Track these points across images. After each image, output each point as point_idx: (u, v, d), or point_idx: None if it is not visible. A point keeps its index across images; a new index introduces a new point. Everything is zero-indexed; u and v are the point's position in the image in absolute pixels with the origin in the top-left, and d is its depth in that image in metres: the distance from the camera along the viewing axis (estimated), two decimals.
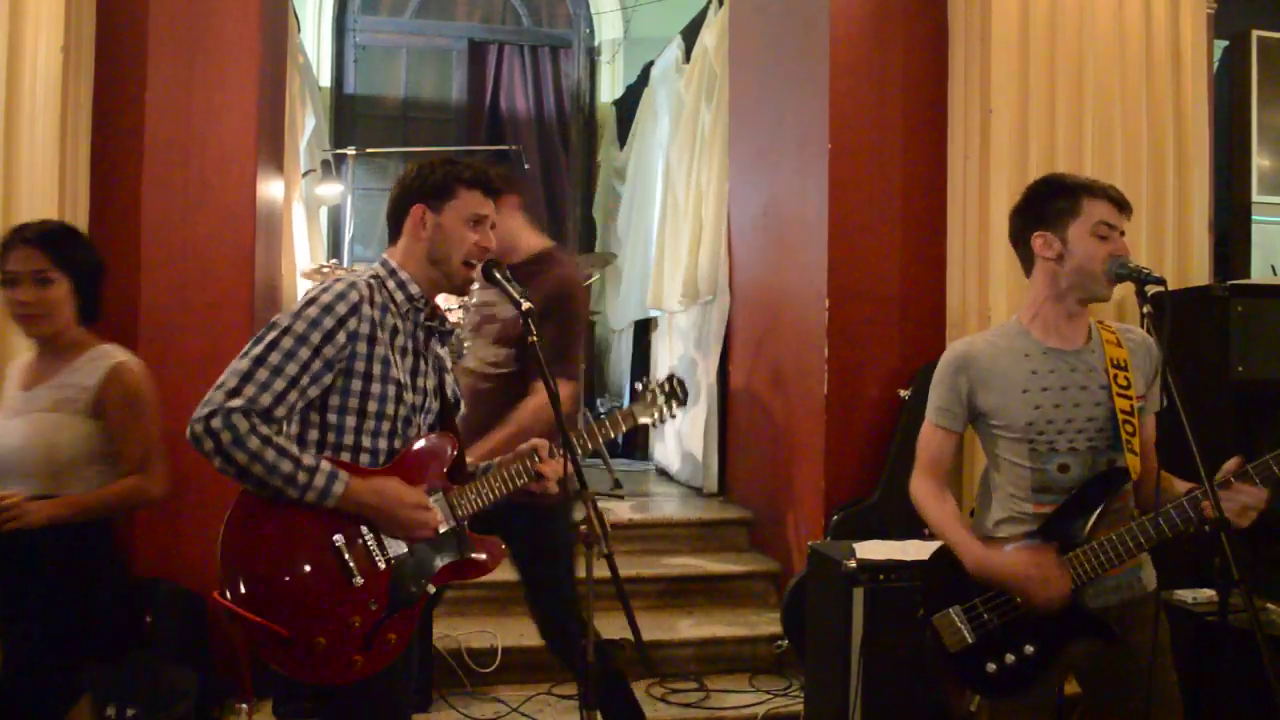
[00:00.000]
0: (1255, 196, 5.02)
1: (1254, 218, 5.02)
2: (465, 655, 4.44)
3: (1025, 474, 2.59)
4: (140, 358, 4.26)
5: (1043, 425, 2.56)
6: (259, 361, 2.26)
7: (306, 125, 6.53)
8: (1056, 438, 2.56)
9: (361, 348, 2.35)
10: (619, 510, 5.86)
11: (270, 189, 4.77)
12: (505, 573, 4.95)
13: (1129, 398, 2.55)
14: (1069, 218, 2.57)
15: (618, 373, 9.08)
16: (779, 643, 4.73)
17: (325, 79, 9.08)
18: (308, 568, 2.28)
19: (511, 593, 4.91)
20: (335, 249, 7.92)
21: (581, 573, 2.42)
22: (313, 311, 2.31)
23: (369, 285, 2.41)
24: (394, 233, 2.56)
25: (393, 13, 9.51)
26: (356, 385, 2.36)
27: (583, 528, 2.42)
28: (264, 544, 2.26)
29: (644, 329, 8.32)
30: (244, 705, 4.23)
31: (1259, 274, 4.94)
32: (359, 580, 2.31)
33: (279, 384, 2.26)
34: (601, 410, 8.88)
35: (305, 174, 6.32)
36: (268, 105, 4.65)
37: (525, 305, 2.52)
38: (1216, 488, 2.26)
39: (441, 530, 2.45)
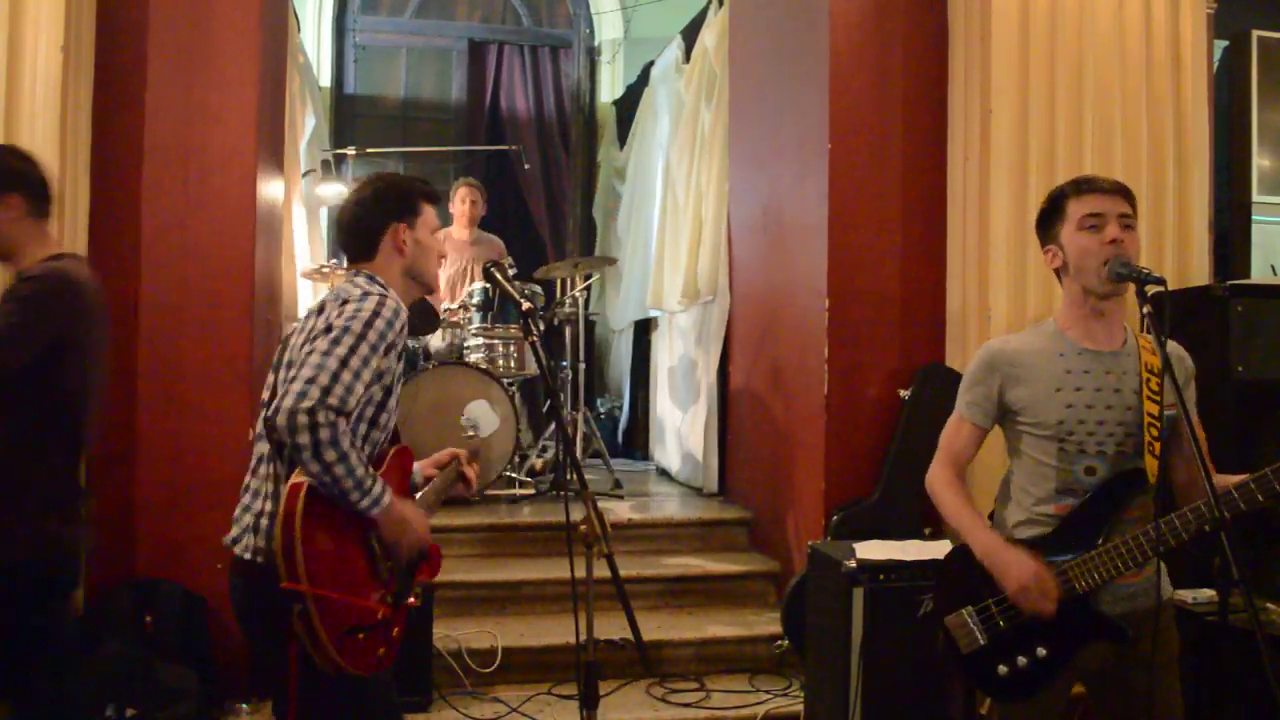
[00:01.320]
0: (1255, 196, 5.02)
1: (1254, 217, 5.02)
2: (465, 655, 4.44)
3: (1050, 474, 2.58)
4: (140, 359, 4.32)
5: (1073, 425, 2.55)
6: (344, 363, 2.31)
7: (306, 125, 6.53)
8: (1086, 439, 2.54)
9: (393, 363, 2.47)
10: (619, 510, 5.86)
11: (270, 189, 4.77)
12: (506, 573, 4.99)
13: (1159, 402, 2.54)
14: (1059, 224, 2.62)
15: (617, 373, 9.09)
16: (779, 643, 4.73)
17: (325, 79, 9.08)
18: (358, 564, 2.37)
19: (511, 593, 4.94)
20: (335, 249, 7.92)
21: (581, 573, 2.43)
22: (381, 324, 2.39)
23: None
24: (367, 250, 2.63)
25: (392, 13, 9.51)
26: (377, 395, 2.47)
27: (583, 528, 2.43)
28: (335, 536, 2.32)
29: (644, 329, 8.32)
30: (244, 706, 4.23)
31: (1259, 274, 4.94)
32: (386, 576, 2.44)
33: (359, 387, 2.32)
34: (601, 410, 8.89)
35: (305, 174, 6.33)
36: (268, 105, 4.65)
37: (525, 305, 2.55)
38: None
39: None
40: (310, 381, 2.26)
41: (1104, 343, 2.61)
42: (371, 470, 2.34)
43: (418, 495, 2.71)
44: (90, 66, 4.19)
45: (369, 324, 2.37)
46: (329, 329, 2.35)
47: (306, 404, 2.22)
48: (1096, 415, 2.54)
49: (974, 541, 2.59)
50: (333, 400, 2.24)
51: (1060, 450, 2.56)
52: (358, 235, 2.63)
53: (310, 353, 2.31)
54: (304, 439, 2.21)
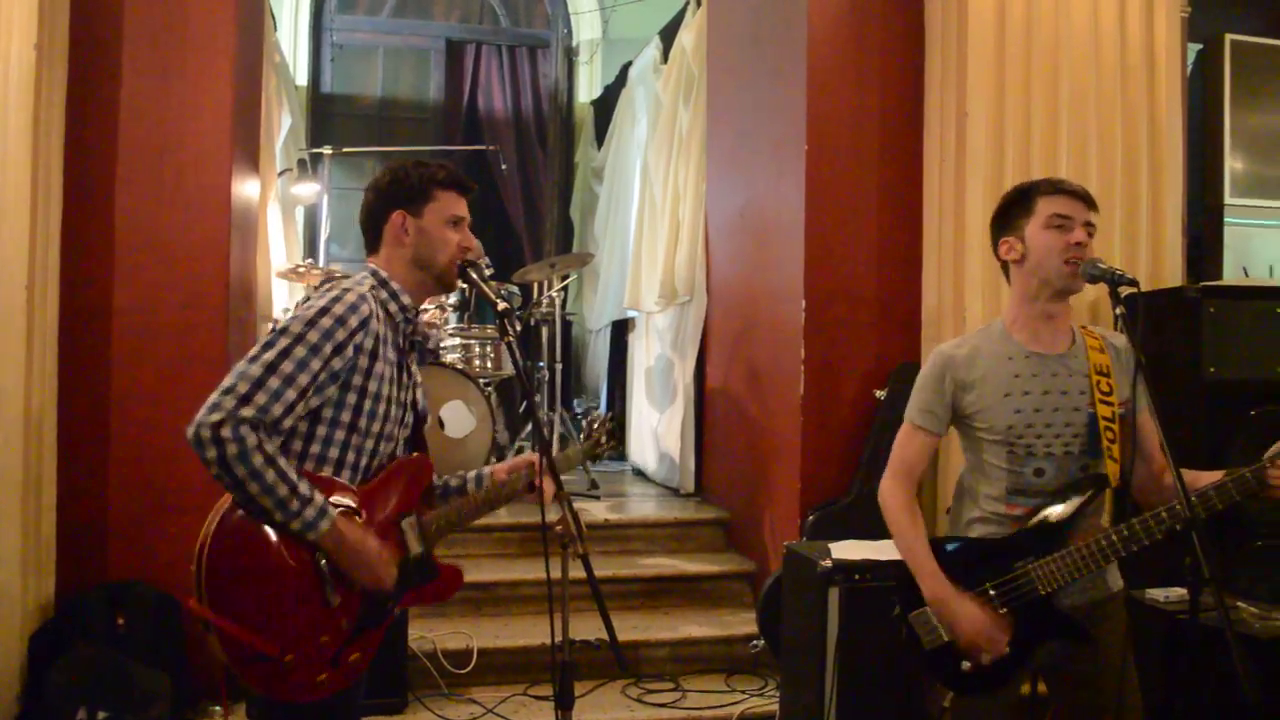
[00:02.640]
0: (1228, 199, 5.05)
1: (1226, 220, 5.06)
2: (441, 657, 4.43)
3: (1002, 475, 2.61)
4: (113, 360, 4.29)
5: (1022, 429, 2.58)
6: (271, 369, 2.19)
7: (283, 124, 6.50)
8: (1035, 441, 2.57)
9: (364, 363, 2.34)
10: (595, 510, 5.86)
11: (246, 188, 4.74)
12: (481, 574, 4.98)
13: (1110, 404, 2.57)
14: (1024, 218, 2.63)
15: (594, 373, 9.08)
16: (755, 643, 4.73)
17: (302, 78, 9.04)
18: (288, 586, 2.21)
19: (487, 594, 4.93)
20: (311, 249, 7.89)
21: (556, 573, 2.42)
22: (326, 322, 2.27)
23: (375, 298, 2.40)
24: (373, 240, 2.53)
25: (369, 12, 9.48)
26: (351, 399, 2.34)
27: (558, 528, 2.42)
28: (249, 557, 2.19)
29: (621, 329, 8.32)
30: (218, 708, 4.21)
31: (1231, 275, 4.98)
32: (335, 600, 2.27)
33: (290, 394, 2.20)
34: (579, 410, 8.88)
35: (281, 173, 6.30)
36: (243, 103, 4.63)
37: (501, 305, 2.52)
38: (1261, 467, 2.35)
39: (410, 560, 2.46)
40: (226, 391, 2.15)
41: (1051, 345, 2.64)
42: (306, 490, 2.19)
43: (445, 506, 2.59)
44: (64, 64, 4.16)
45: (311, 323, 2.25)
46: (272, 331, 2.26)
47: (215, 416, 2.11)
48: (1044, 418, 2.58)
49: (925, 587, 2.59)
50: (247, 411, 2.13)
51: (1010, 453, 2.59)
52: (364, 224, 2.53)
53: (243, 359, 2.21)
54: (210, 454, 2.10)
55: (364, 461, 2.39)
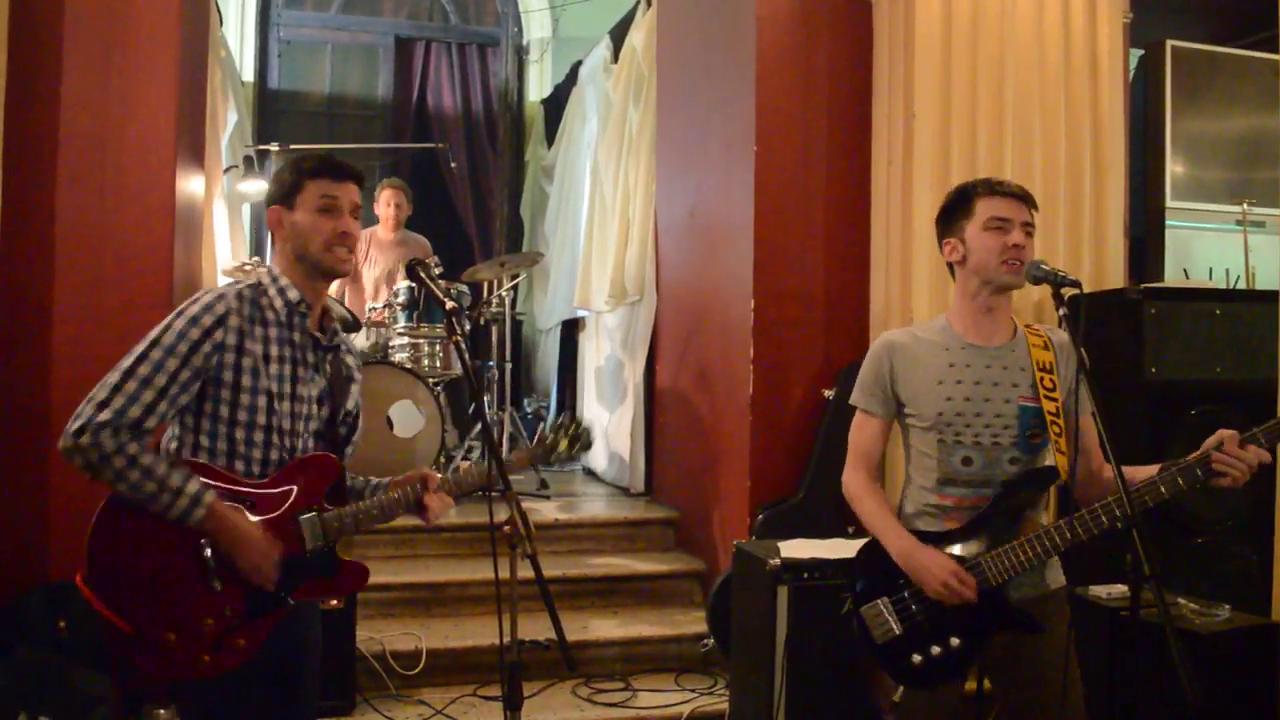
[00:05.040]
0: (1169, 202, 5.14)
1: (1168, 222, 5.15)
2: (389, 657, 4.39)
3: (932, 465, 2.65)
4: (54, 359, 4.21)
5: (951, 417, 2.61)
6: (128, 374, 2.30)
7: (229, 120, 6.42)
8: (964, 430, 2.61)
9: (229, 358, 2.39)
10: (545, 510, 5.84)
11: (190, 185, 4.68)
12: (430, 574, 4.95)
13: (1055, 399, 2.61)
14: (965, 220, 2.67)
15: (545, 372, 9.07)
16: (704, 642, 4.75)
17: (249, 74, 8.94)
18: (169, 568, 2.34)
19: (435, 594, 4.90)
20: (258, 247, 7.80)
21: (505, 573, 2.42)
22: (179, 324, 2.35)
23: (239, 296, 2.43)
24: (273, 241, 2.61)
25: (318, 7, 9.39)
26: (226, 394, 2.39)
27: (506, 528, 2.41)
28: (132, 539, 2.33)
29: (571, 329, 8.31)
30: (161, 712, 4.15)
31: (1172, 277, 5.06)
32: (218, 586, 2.36)
33: (148, 395, 2.29)
34: (528, 410, 8.85)
35: (227, 170, 6.22)
36: (188, 99, 4.57)
37: (450, 305, 2.53)
38: (1205, 457, 2.38)
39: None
40: (88, 400, 2.27)
41: (989, 337, 2.68)
42: (178, 482, 2.28)
43: (349, 506, 2.57)
44: (3, 58, 4.07)
45: (167, 326, 2.35)
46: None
47: (74, 425, 2.24)
48: (974, 408, 2.61)
49: (891, 546, 2.63)
50: (104, 416, 2.24)
51: (939, 442, 2.63)
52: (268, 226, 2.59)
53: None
54: (78, 462, 2.24)
55: (257, 454, 2.44)
